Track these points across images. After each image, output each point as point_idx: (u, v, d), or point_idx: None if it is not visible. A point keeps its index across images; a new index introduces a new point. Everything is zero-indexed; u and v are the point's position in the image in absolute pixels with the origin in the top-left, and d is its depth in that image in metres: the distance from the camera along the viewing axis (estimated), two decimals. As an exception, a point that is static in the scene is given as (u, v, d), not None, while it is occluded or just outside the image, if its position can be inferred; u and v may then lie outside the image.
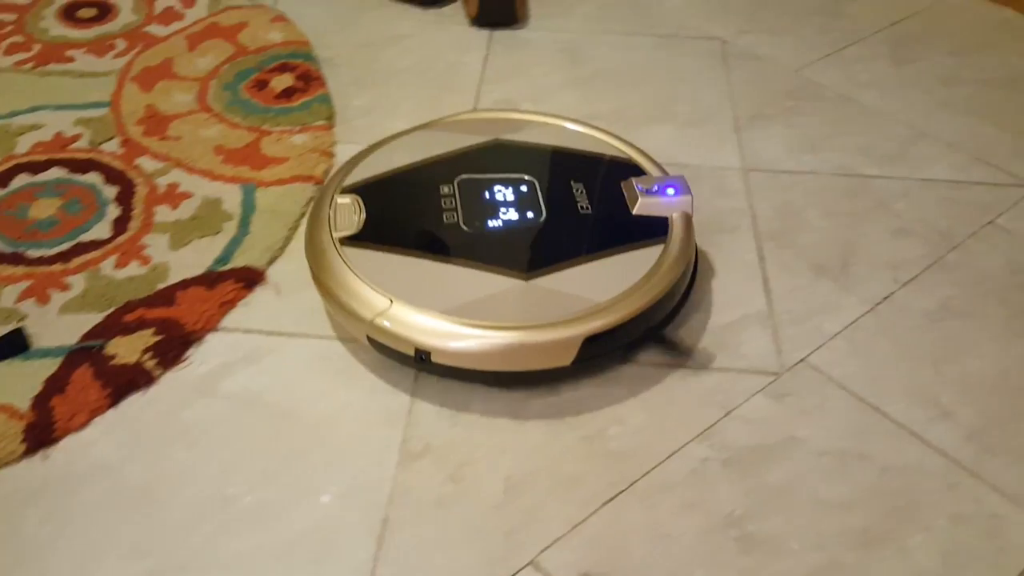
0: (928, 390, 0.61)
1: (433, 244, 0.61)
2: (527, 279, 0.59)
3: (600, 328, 0.57)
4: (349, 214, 0.64)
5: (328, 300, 0.62)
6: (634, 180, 0.67)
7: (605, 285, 0.58)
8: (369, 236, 0.62)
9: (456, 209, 0.64)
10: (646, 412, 0.59)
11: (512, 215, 0.64)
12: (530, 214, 0.64)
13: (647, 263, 0.60)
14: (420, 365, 0.58)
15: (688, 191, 0.65)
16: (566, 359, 0.57)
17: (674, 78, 0.94)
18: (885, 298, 0.68)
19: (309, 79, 0.91)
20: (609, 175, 0.68)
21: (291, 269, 0.70)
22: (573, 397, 0.60)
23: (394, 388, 0.61)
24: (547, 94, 0.91)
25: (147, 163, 0.79)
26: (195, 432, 0.58)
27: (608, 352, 0.60)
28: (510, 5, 1.01)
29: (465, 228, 0.63)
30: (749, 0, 1.07)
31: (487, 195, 0.66)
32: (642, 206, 0.65)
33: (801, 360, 0.63)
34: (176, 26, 0.99)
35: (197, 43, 0.96)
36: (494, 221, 0.63)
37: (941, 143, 0.84)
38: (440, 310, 0.56)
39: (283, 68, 0.93)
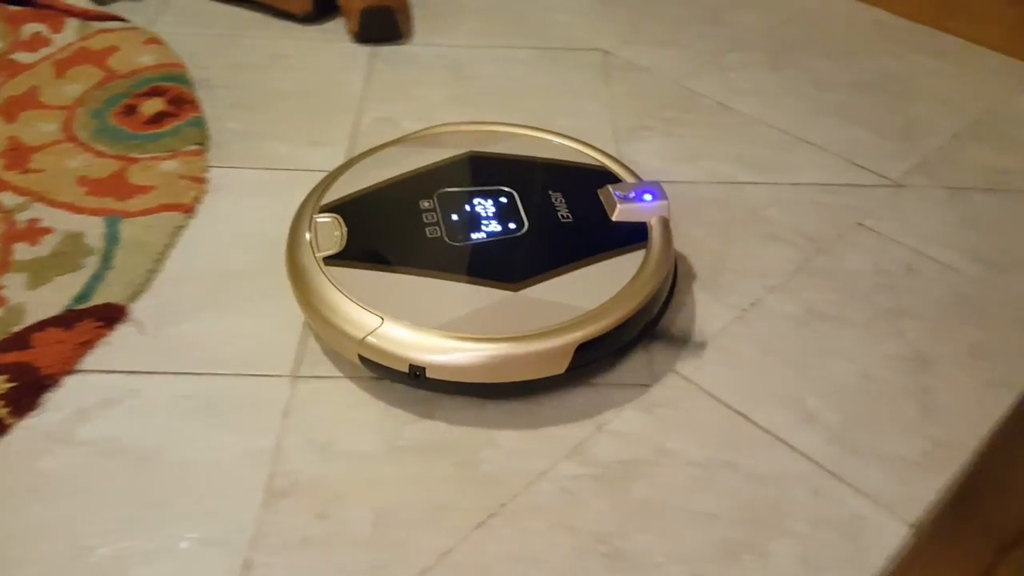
0: (794, 394, 0.62)
1: (418, 259, 0.62)
2: (516, 290, 0.60)
3: (592, 335, 0.58)
4: (330, 233, 0.63)
5: (315, 321, 0.61)
6: (611, 187, 0.68)
7: (592, 292, 0.60)
8: (352, 254, 0.62)
9: (438, 223, 0.64)
10: (519, 432, 0.59)
11: (495, 227, 0.65)
12: (512, 225, 0.65)
13: (631, 268, 0.62)
14: (415, 382, 0.58)
15: (664, 196, 0.67)
16: (560, 367, 0.58)
17: (556, 92, 0.94)
18: (752, 304, 0.69)
19: (181, 102, 0.89)
20: (586, 184, 0.69)
21: (156, 304, 0.68)
22: (448, 423, 0.60)
23: (261, 425, 0.59)
24: (431, 111, 0.90)
25: (7, 199, 0.76)
26: (49, 483, 0.56)
27: (600, 357, 0.61)
28: (392, 20, 1.00)
29: (449, 242, 0.63)
30: (632, 11, 1.08)
31: (468, 208, 0.66)
32: (621, 212, 0.66)
33: (672, 370, 0.64)
34: (44, 52, 0.96)
35: (65, 69, 0.93)
36: (477, 234, 0.64)
37: (814, 147, 0.86)
38: (432, 325, 0.57)
39: (154, 92, 0.90)
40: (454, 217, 0.65)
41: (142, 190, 0.77)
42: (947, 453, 0.58)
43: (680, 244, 0.74)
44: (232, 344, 0.65)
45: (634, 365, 0.64)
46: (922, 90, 0.95)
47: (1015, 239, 0.76)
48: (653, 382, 0.63)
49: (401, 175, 0.70)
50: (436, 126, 0.77)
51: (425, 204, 0.66)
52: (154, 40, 0.98)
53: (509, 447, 0.58)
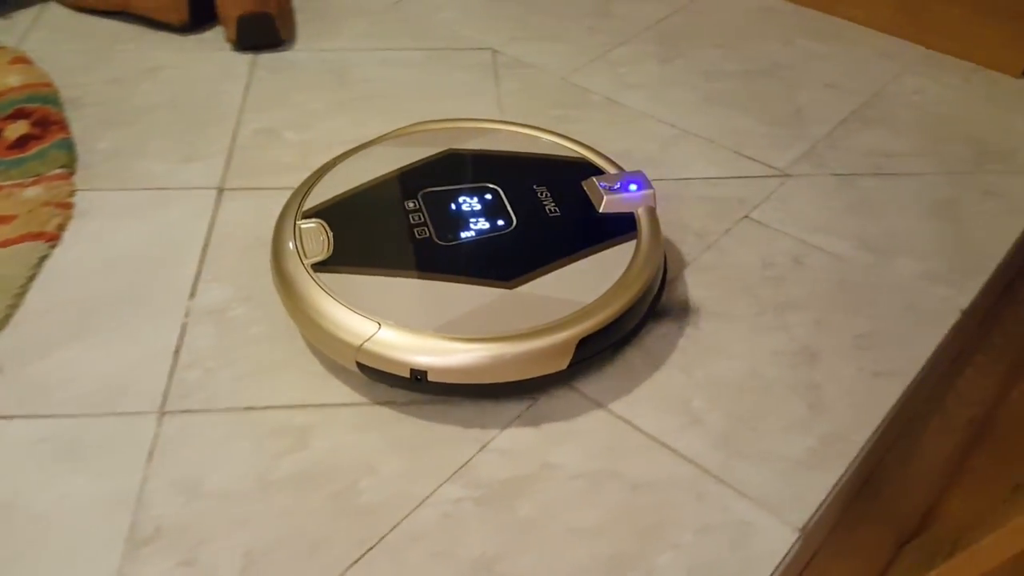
0: (679, 397, 0.61)
1: (409, 261, 0.61)
2: (511, 288, 0.59)
3: (592, 328, 0.57)
4: (316, 239, 0.62)
5: (308, 330, 0.60)
6: (595, 179, 0.68)
7: (588, 286, 0.60)
8: (341, 260, 0.61)
9: (426, 224, 0.64)
10: (400, 457, 0.57)
11: (483, 224, 0.64)
12: (500, 222, 0.64)
13: (623, 259, 0.62)
14: (415, 386, 0.57)
15: (650, 185, 0.67)
16: (562, 363, 0.58)
17: (445, 93, 0.92)
18: (643, 306, 0.68)
19: (47, 124, 0.84)
20: (569, 177, 0.69)
21: (15, 342, 0.63)
22: (325, 451, 0.57)
23: (124, 467, 0.56)
24: (313, 120, 0.87)
25: None
26: None
27: (601, 351, 0.60)
28: (271, 26, 0.96)
29: (438, 242, 0.63)
30: (521, 6, 1.07)
31: (454, 207, 0.66)
32: (608, 204, 0.66)
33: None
34: None
35: (-80, 93, 0.87)
36: (466, 232, 0.63)
37: (702, 140, 0.86)
38: (431, 328, 0.56)
39: (19, 115, 0.85)
40: (441, 216, 0.64)
41: (2, 220, 0.73)
42: (836, 450, 0.58)
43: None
44: (96, 380, 0.61)
45: (519, 377, 0.62)
46: (811, 76, 0.95)
47: (901, 224, 0.76)
48: (540, 394, 0.61)
49: (382, 176, 0.68)
50: (411, 125, 0.75)
51: (410, 204, 0.65)
52: (21, 59, 0.93)
53: (389, 473, 0.56)
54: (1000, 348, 0.78)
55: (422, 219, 0.64)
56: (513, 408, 0.60)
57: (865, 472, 0.62)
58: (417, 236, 0.63)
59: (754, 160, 0.83)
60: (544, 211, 0.66)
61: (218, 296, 0.67)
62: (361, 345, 0.56)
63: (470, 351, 0.56)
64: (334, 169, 0.70)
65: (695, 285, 0.70)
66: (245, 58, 0.96)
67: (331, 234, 0.62)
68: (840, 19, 1.06)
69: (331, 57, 0.97)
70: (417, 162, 0.70)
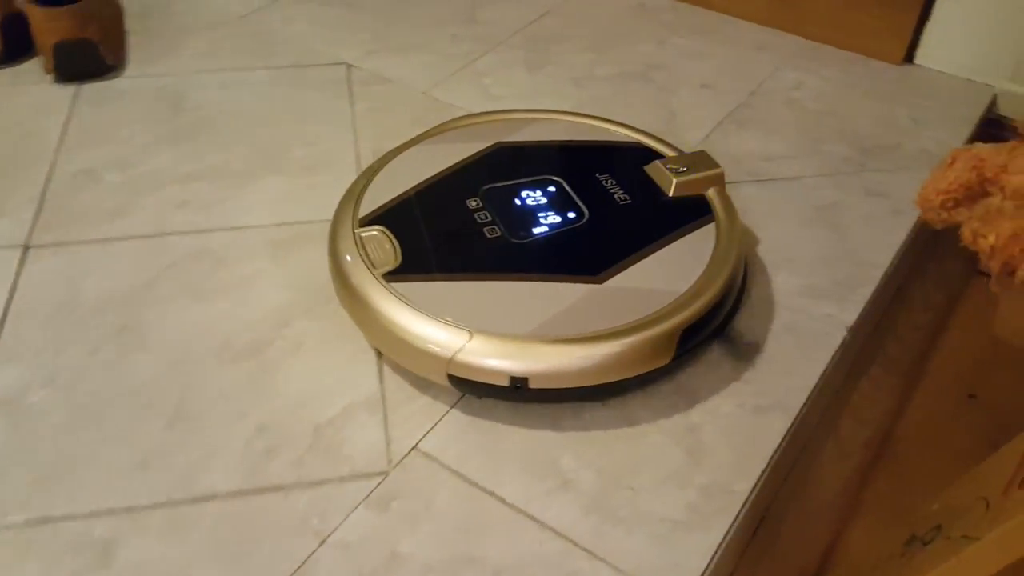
0: (548, 455, 0.55)
1: (485, 263, 0.58)
2: (600, 282, 0.56)
3: (693, 317, 0.55)
4: (380, 247, 0.58)
5: (390, 346, 0.56)
6: (659, 163, 0.65)
7: (678, 273, 0.57)
8: (413, 267, 0.57)
9: (495, 222, 0.60)
10: (219, 564, 0.49)
11: (554, 218, 0.61)
12: (572, 214, 0.61)
13: (707, 243, 0.59)
14: (513, 395, 0.54)
15: (717, 164, 0.65)
16: (666, 357, 0.55)
17: (293, 116, 0.83)
18: (507, 351, 0.61)
19: None
20: (628, 162, 0.67)
21: None
22: (135, 563, 0.49)
23: None
24: (140, 156, 0.78)
25: None
26: None
27: (703, 341, 0.57)
28: (94, 53, 0.86)
29: (512, 240, 0.59)
30: (378, 15, 0.99)
31: (519, 202, 0.62)
32: (678, 187, 0.63)
33: (413, 447, 0.55)
34: None
35: None
36: (538, 228, 0.60)
37: (573, 154, 0.79)
38: (526, 332, 0.53)
39: None
40: (509, 213, 0.61)
41: None
42: (717, 505, 0.52)
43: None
44: None
45: (369, 448, 0.55)
46: (686, 76, 0.90)
47: (781, 235, 0.71)
48: (391, 467, 0.54)
49: (435, 176, 0.65)
50: (451, 120, 0.71)
51: (473, 203, 0.62)
52: None
53: (211, 583, 0.48)
54: (895, 358, 0.75)
55: (489, 217, 0.60)
56: (359, 487, 0.53)
57: (757, 514, 0.57)
58: (488, 235, 0.59)
59: (628, 173, 0.77)
60: (613, 200, 0.63)
61: (12, 380, 0.58)
62: (453, 356, 0.52)
63: (572, 353, 0.52)
64: (381, 172, 0.65)
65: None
66: (67, 90, 0.86)
67: (396, 241, 0.58)
68: (715, 13, 1.01)
69: (165, 83, 0.87)
70: (468, 159, 0.67)
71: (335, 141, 0.80)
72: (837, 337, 0.62)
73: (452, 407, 0.57)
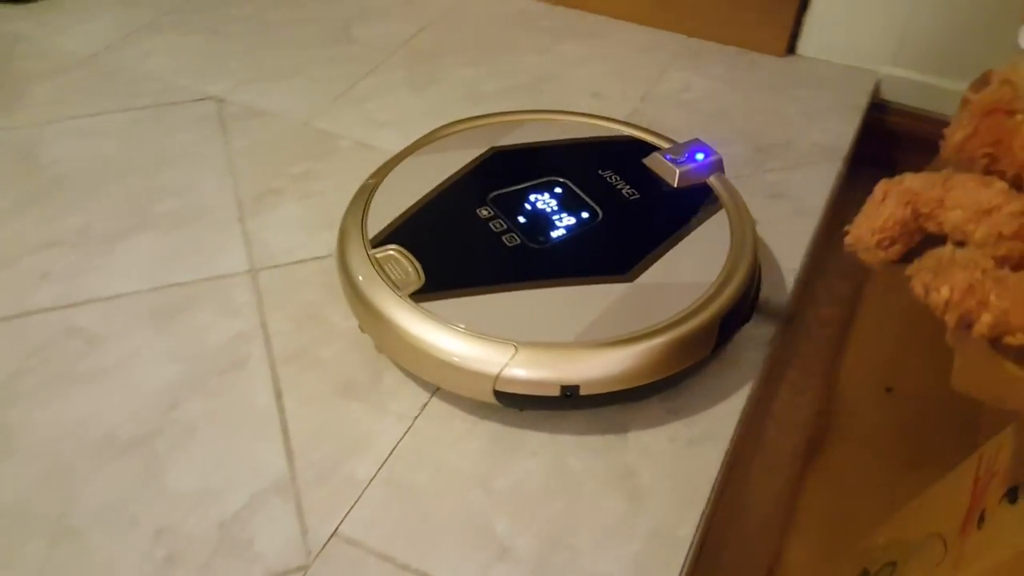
0: (481, 521, 0.51)
1: (511, 272, 0.56)
2: (630, 280, 0.56)
3: (728, 306, 0.55)
4: (399, 266, 0.56)
5: (431, 369, 0.54)
6: (658, 154, 0.65)
7: (702, 264, 0.57)
8: (437, 284, 0.55)
9: (511, 229, 0.59)
10: None
11: (569, 220, 0.61)
12: (585, 214, 0.61)
13: (723, 231, 0.60)
14: (564, 403, 0.52)
15: (715, 151, 0.65)
16: (707, 349, 0.55)
17: (162, 162, 0.77)
18: (424, 407, 0.57)
19: None
20: (625, 156, 0.66)
21: None
22: None
23: None
24: (-10, 225, 0.70)
25: None
26: None
27: (737, 328, 0.58)
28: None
29: (532, 246, 0.58)
30: (246, 42, 0.92)
31: (529, 206, 0.62)
32: (681, 177, 0.63)
33: (333, 533, 0.50)
34: None
35: None
36: (556, 231, 0.60)
37: (469, 179, 0.75)
38: (571, 338, 0.52)
39: None
40: (521, 219, 0.60)
41: None
42: (663, 556, 0.50)
43: (327, 344, 0.60)
44: None
45: (283, 540, 0.50)
46: (576, 86, 0.88)
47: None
48: (310, 559, 0.49)
49: (437, 188, 0.63)
50: (437, 130, 0.69)
51: (484, 212, 0.61)
52: None
53: None
54: (807, 356, 0.74)
55: (504, 225, 0.60)
56: (279, 585, 0.48)
57: (698, 542, 0.55)
58: (508, 244, 0.58)
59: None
60: (622, 195, 0.63)
61: None
62: (500, 373, 0.51)
63: (620, 355, 0.52)
64: (379, 190, 0.63)
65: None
66: None
67: (414, 259, 0.57)
68: (595, 15, 0.99)
69: (11, 137, 0.79)
70: (466, 167, 0.65)
71: (211, 186, 0.74)
72: (760, 353, 0.61)
73: (371, 480, 0.53)
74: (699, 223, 0.60)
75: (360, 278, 0.56)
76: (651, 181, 0.64)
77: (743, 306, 0.57)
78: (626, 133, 0.70)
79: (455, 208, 0.62)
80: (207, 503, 0.51)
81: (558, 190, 0.63)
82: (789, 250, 0.69)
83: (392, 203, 0.62)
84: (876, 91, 0.89)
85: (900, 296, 0.78)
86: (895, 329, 0.76)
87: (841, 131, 0.83)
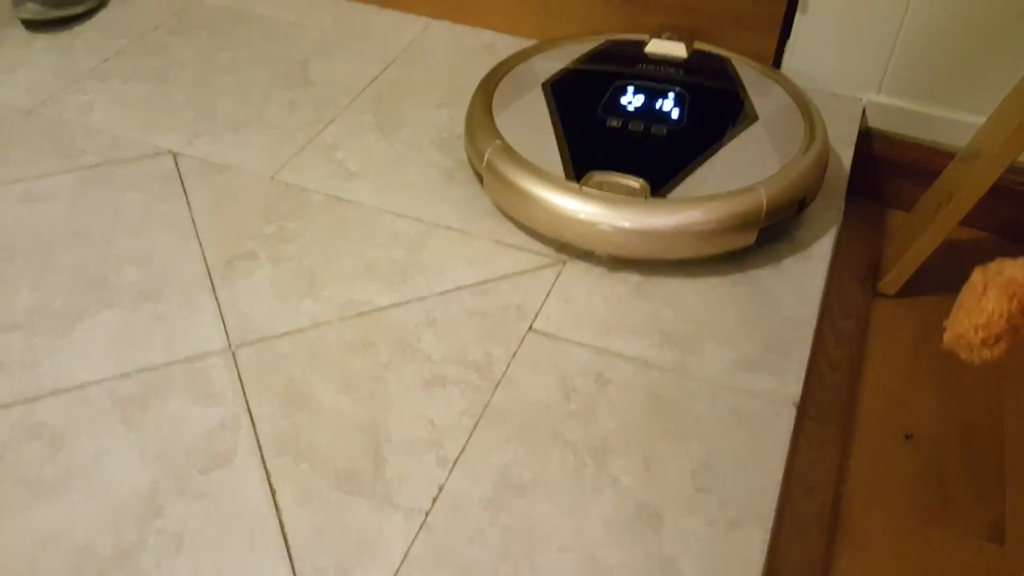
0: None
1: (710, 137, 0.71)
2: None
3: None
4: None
5: (686, 242, 0.64)
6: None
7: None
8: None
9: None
10: None
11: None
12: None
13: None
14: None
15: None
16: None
17: (116, 228, 0.70)
18: (435, 500, 0.52)
19: None
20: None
21: None
22: None
23: None
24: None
25: None
26: None
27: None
28: None
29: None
30: (196, 87, 0.86)
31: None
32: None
33: (350, 656, 0.45)
34: None
35: None
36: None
37: (454, 232, 0.71)
38: (777, 169, 0.68)
39: None
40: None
41: None
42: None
43: (320, 429, 0.55)
44: None
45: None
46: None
47: (693, 297, 0.66)
48: None
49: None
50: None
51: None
52: None
53: None
54: (823, 407, 0.71)
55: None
56: None
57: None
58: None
59: (519, 248, 0.70)
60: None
61: None
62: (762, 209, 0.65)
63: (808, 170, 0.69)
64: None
65: (496, 445, 0.55)
66: None
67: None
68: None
69: (-56, 206, 0.71)
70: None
71: (175, 253, 0.68)
72: (786, 418, 0.58)
73: (386, 589, 0.48)
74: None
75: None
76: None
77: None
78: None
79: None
80: (205, 632, 0.45)
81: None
82: (799, 300, 0.66)
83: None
84: (863, 119, 0.87)
85: (904, 329, 0.76)
86: (904, 363, 0.74)
87: (838, 162, 0.81)
